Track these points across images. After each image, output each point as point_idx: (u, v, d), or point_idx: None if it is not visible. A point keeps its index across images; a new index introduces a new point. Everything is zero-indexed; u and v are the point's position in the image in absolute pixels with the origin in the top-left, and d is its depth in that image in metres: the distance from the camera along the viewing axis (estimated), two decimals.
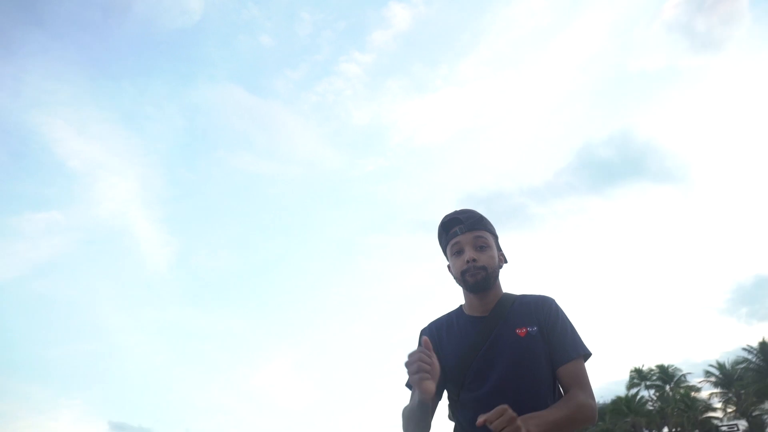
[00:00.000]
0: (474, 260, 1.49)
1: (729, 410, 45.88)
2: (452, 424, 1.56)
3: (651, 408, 49.33)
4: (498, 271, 1.56)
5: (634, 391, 50.52)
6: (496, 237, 1.59)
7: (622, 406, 49.29)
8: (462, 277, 1.52)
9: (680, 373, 49.90)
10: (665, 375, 49.94)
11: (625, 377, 51.79)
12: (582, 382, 1.43)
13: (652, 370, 50.80)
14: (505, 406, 1.19)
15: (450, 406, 1.55)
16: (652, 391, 50.33)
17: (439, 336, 1.58)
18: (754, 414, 45.63)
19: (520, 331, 1.47)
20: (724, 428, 46.28)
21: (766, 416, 47.46)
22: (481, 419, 1.17)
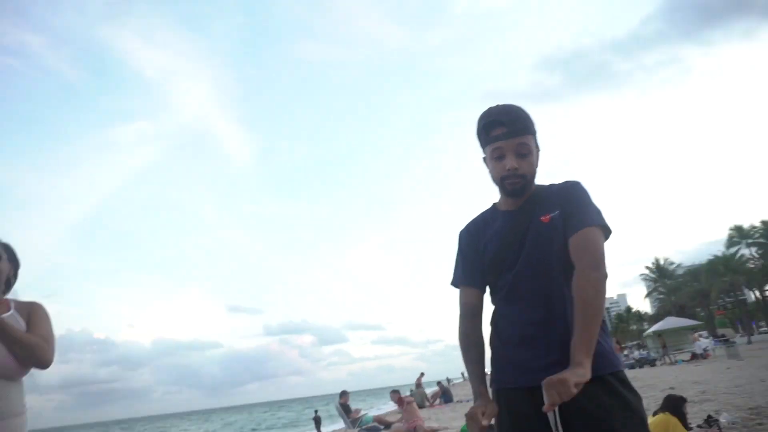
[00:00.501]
0: (516, 169, 1.53)
1: None
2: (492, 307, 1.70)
3: (753, 266, 47.46)
4: (535, 174, 1.59)
5: (733, 249, 48.57)
6: (535, 135, 1.60)
7: (719, 266, 47.81)
8: (501, 183, 1.57)
9: None
10: None
11: (725, 236, 49.47)
12: (585, 248, 1.43)
13: (754, 227, 48.06)
14: (547, 379, 1.23)
15: (490, 292, 1.67)
16: (754, 249, 48.08)
17: (477, 233, 1.69)
18: None
19: (544, 218, 1.53)
20: None
21: None
22: (546, 407, 1.24)
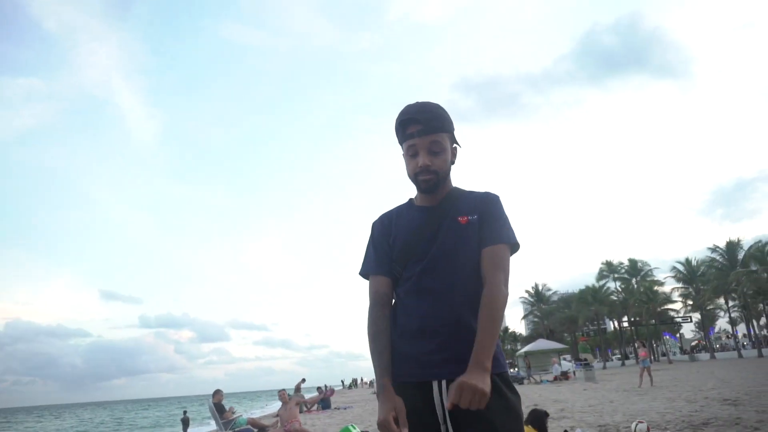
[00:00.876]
0: (428, 166, 1.56)
1: (688, 303, 48.89)
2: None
3: (615, 299, 52.42)
4: (449, 172, 1.64)
5: (602, 282, 53.37)
6: (451, 133, 1.62)
7: (588, 296, 52.31)
8: (415, 179, 1.60)
9: (648, 268, 52.47)
10: (633, 269, 52.45)
11: (597, 269, 54.29)
12: (498, 265, 1.52)
13: (622, 263, 53.25)
14: (459, 382, 1.26)
15: (393, 283, 1.67)
16: (619, 283, 53.17)
17: (390, 224, 1.70)
18: (708, 308, 48.91)
19: (462, 219, 1.58)
20: (678, 319, 49.86)
21: (718, 310, 50.96)
22: (449, 405, 1.28)
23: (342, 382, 50.11)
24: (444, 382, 1.43)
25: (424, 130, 1.55)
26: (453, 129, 1.63)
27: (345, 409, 17.17)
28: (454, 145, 1.64)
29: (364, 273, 1.70)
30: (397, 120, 1.62)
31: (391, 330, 1.59)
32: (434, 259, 1.55)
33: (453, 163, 1.64)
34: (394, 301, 1.64)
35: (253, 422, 12.00)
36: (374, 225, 1.75)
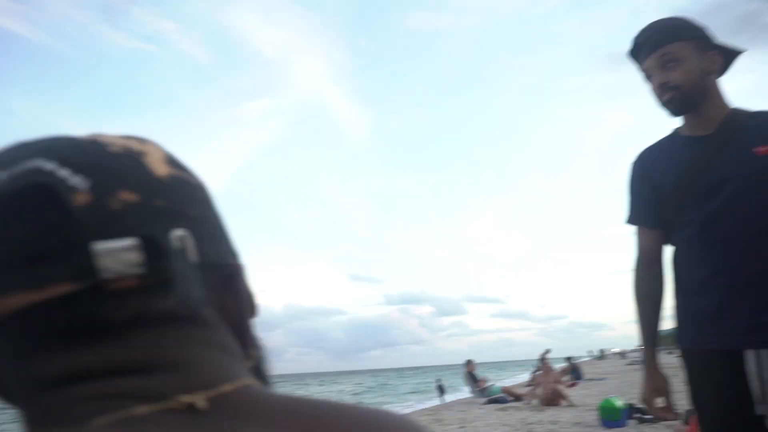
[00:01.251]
0: (664, 83, 1.35)
1: None
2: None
3: None
4: (704, 82, 1.35)
5: None
6: (697, 40, 1.36)
7: None
8: (660, 103, 1.39)
9: None
10: None
11: None
12: None
13: None
14: None
15: (670, 229, 1.44)
16: None
17: (652, 163, 1.46)
18: None
19: (760, 150, 1.29)
20: None
21: None
22: None
23: (589, 352, 47.96)
24: (764, 352, 1.22)
25: (650, 49, 1.36)
26: (697, 34, 1.37)
27: (600, 380, 16.45)
28: (715, 50, 1.37)
29: (631, 221, 1.52)
30: (628, 55, 1.44)
31: (675, 285, 1.43)
32: (726, 200, 1.29)
33: (713, 72, 1.36)
34: (674, 250, 1.44)
35: (507, 390, 12.31)
36: (633, 166, 1.52)
